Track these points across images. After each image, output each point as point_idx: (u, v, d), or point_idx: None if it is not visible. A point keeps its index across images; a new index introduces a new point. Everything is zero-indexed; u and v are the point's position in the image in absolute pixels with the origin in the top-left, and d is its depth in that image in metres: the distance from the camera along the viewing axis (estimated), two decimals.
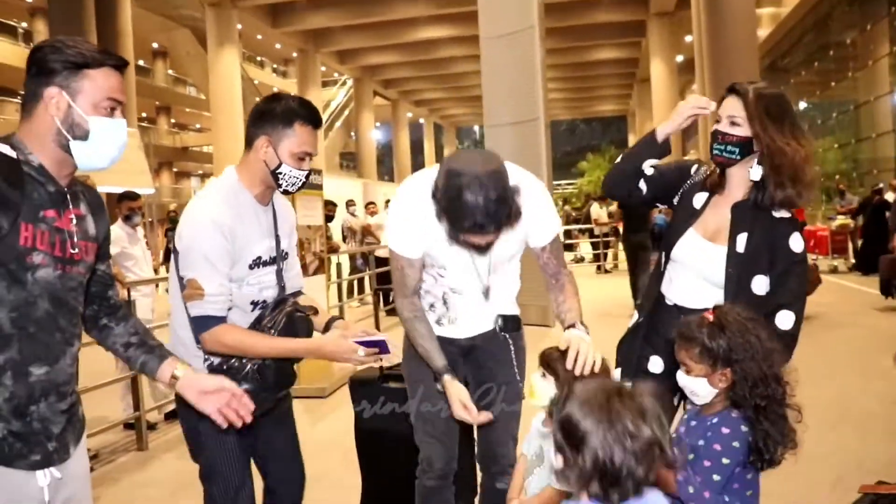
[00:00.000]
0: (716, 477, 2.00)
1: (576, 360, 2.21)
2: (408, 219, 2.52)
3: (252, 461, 2.67)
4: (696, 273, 2.47)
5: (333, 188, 15.02)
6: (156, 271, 8.36)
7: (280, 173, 2.48)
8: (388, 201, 14.24)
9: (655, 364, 2.60)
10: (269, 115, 2.47)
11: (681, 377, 2.14)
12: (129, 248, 5.86)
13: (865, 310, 9.93)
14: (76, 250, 1.87)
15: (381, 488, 3.56)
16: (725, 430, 2.02)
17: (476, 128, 64.97)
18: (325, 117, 36.57)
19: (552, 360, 2.30)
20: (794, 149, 2.35)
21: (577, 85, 41.20)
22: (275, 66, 45.45)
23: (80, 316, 1.98)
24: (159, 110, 42.72)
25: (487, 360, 2.78)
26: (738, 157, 2.40)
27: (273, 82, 44.87)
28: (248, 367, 2.47)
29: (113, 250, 5.46)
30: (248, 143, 2.51)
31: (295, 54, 34.52)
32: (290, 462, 2.77)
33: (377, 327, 8.48)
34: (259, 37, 34.14)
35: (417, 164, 48.40)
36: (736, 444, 2.01)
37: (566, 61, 33.77)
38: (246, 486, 2.58)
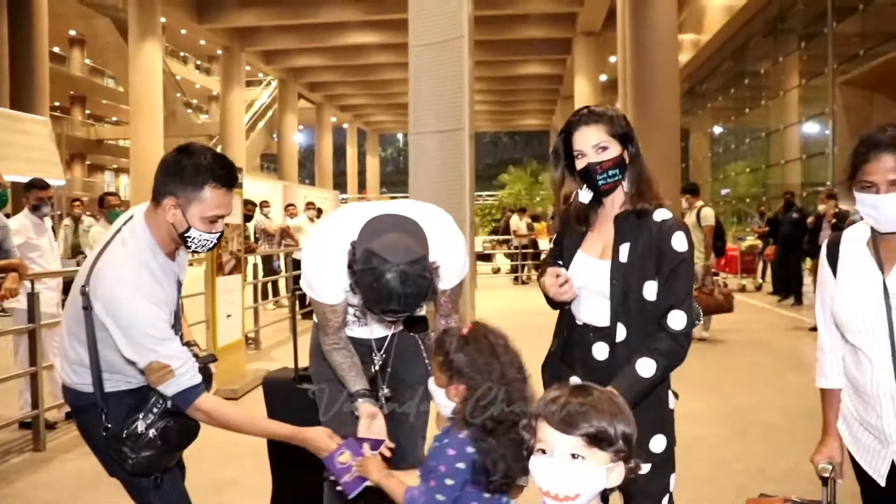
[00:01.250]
0: (440, 497, 1.98)
1: None
2: (326, 269, 2.49)
3: None
4: (596, 292, 2.41)
5: (254, 189, 14.79)
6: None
7: (189, 237, 2.36)
8: (308, 204, 14.03)
9: (576, 382, 2.57)
10: (179, 172, 2.30)
11: (430, 384, 2.17)
12: (35, 238, 5.61)
13: (775, 329, 10.35)
14: None
15: (292, 492, 3.49)
16: (451, 452, 2.00)
17: (399, 135, 65.01)
18: (247, 117, 36.18)
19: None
20: (643, 160, 2.42)
21: (502, 98, 41.69)
22: (198, 62, 44.58)
23: None
24: (74, 100, 41.20)
25: (400, 360, 2.81)
26: (621, 177, 2.37)
27: (196, 79, 44.04)
28: (150, 433, 2.35)
29: (17, 241, 5.24)
30: (156, 197, 2.35)
31: (220, 52, 33.86)
32: None
33: (294, 331, 8.33)
34: (183, 31, 33.47)
35: (339, 169, 48.18)
36: (461, 465, 1.98)
37: (493, 74, 34.15)
38: None
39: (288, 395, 3.36)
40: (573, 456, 1.45)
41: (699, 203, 9.66)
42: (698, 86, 29.36)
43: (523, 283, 17.76)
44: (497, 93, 39.80)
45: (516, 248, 18.40)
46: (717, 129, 29.21)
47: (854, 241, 2.26)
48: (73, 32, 35.54)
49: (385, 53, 30.73)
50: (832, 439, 2.33)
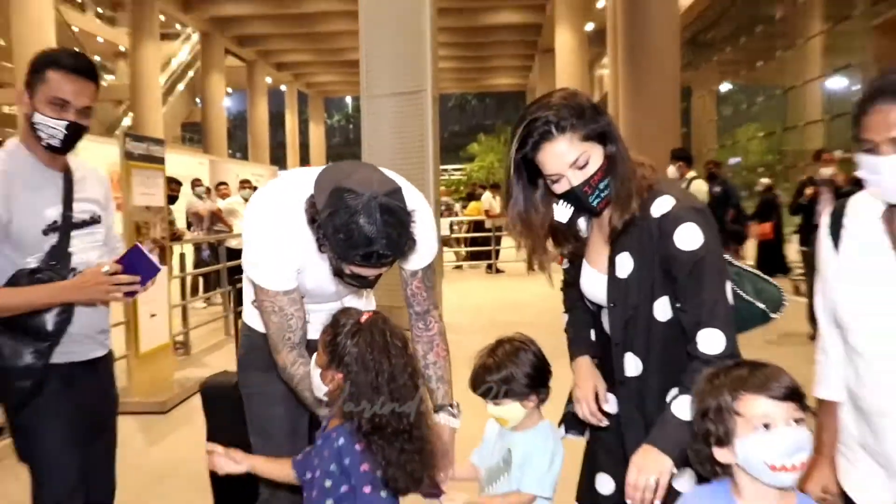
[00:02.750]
0: (327, 483, 2.17)
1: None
2: (278, 244, 2.44)
3: None
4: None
5: (175, 165, 14.77)
6: None
7: (35, 124, 2.70)
8: (242, 182, 14.06)
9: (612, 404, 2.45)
10: (31, 65, 2.73)
11: (311, 359, 2.32)
12: None
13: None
14: None
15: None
16: (334, 447, 2.18)
17: (348, 99, 64.93)
18: (163, 78, 35.80)
19: (494, 386, 2.47)
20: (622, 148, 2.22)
21: (469, 53, 41.68)
22: (99, 10, 43.99)
23: None
24: None
25: None
26: (612, 188, 2.20)
27: (97, 30, 43.41)
28: None
29: None
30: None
31: None
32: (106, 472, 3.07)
33: (234, 333, 8.48)
34: None
35: (277, 140, 47.93)
36: (347, 460, 2.14)
37: (459, 24, 34.17)
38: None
39: (234, 404, 3.48)
40: (796, 421, 1.71)
41: (691, 174, 9.84)
42: (701, 34, 29.65)
43: (498, 271, 17.91)
44: (464, 46, 39.83)
45: (488, 230, 18.48)
46: (725, 87, 29.53)
47: (863, 212, 2.06)
48: None
49: (329, 1, 30.67)
50: (826, 463, 2.20)
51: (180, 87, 39.44)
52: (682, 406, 2.03)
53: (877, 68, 16.30)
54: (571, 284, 2.51)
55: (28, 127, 2.73)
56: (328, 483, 2.16)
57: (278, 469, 2.30)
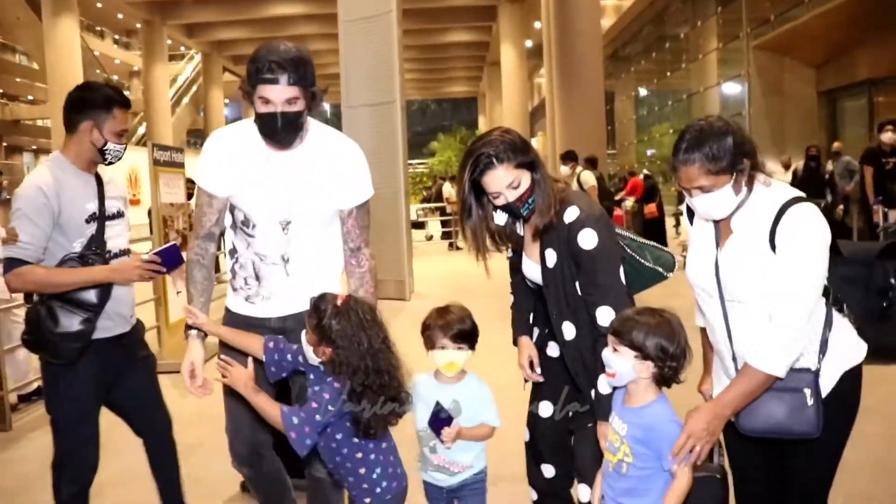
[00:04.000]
0: (318, 417, 2.27)
1: None
2: (218, 152, 2.64)
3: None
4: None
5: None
6: None
7: (106, 150, 2.91)
8: None
9: (553, 349, 2.73)
10: (91, 102, 2.89)
11: (302, 336, 2.38)
12: None
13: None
14: None
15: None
16: (325, 396, 2.28)
17: (327, 106, 64.31)
18: (171, 93, 35.40)
19: (465, 332, 2.53)
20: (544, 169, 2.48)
21: (429, 66, 41.80)
22: (116, 36, 43.34)
23: None
24: None
25: None
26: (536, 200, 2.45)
27: (115, 54, 42.79)
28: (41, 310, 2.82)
29: None
30: (71, 128, 2.90)
31: (139, 25, 33.10)
32: (155, 409, 3.23)
33: None
34: (99, 5, 32.51)
35: None
36: (331, 408, 2.27)
37: (419, 42, 34.21)
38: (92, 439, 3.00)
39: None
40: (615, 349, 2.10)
41: (578, 168, 10.39)
42: (621, 49, 29.99)
43: (457, 248, 18.20)
44: (424, 61, 39.90)
45: (449, 214, 18.70)
46: (642, 92, 29.91)
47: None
48: None
49: (309, 24, 30.53)
50: (710, 373, 2.44)
51: (186, 100, 38.99)
52: (601, 383, 2.31)
53: (758, 77, 16.77)
54: (515, 270, 2.75)
55: (96, 152, 2.92)
56: (318, 417, 2.28)
57: (271, 410, 2.31)
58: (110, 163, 2.98)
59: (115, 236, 3.04)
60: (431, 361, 2.59)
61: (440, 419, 2.48)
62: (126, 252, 3.09)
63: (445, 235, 19.37)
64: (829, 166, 12.54)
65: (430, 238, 20.76)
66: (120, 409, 3.15)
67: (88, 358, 2.88)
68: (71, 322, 2.81)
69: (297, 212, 2.59)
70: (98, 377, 2.95)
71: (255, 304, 2.69)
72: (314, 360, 2.34)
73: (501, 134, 2.44)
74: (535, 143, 33.06)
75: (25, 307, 2.93)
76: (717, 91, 20.81)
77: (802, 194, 2.14)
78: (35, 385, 5.90)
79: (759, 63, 16.64)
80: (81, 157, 2.93)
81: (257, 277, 2.66)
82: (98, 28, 40.62)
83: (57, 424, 2.94)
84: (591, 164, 11.21)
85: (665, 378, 2.09)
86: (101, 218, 2.96)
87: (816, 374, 2.12)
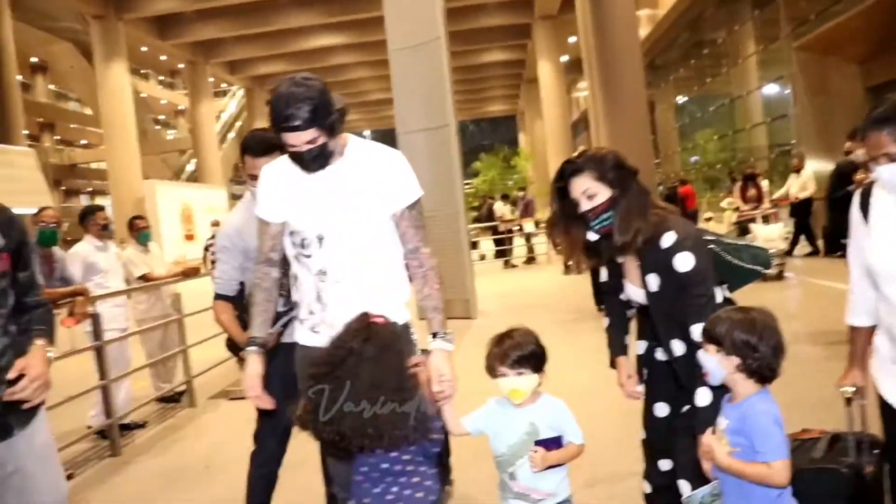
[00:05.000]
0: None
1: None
2: (267, 182, 2.72)
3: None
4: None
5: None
6: None
7: (254, 189, 3.12)
8: None
9: (661, 354, 2.83)
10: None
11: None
12: (99, 262, 6.04)
13: None
14: None
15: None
16: None
17: (367, 132, 65.11)
18: (216, 128, 36.27)
19: (524, 357, 2.45)
20: (633, 192, 2.57)
21: (468, 87, 42.17)
22: (161, 77, 44.56)
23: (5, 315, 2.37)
24: (43, 127, 41.22)
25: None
26: (616, 218, 2.56)
27: (160, 94, 43.97)
28: None
29: (78, 267, 5.79)
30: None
31: (182, 65, 34.06)
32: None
33: None
34: (144, 48, 33.56)
35: None
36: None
37: (457, 64, 34.34)
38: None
39: None
40: None
41: None
42: (658, 58, 29.97)
43: (513, 266, 18.36)
44: (462, 82, 40.23)
45: (501, 233, 18.87)
46: (682, 99, 29.83)
47: (881, 194, 2.33)
48: (34, 59, 35.56)
49: (348, 54, 31.14)
50: (856, 368, 2.48)
51: (231, 135, 39.87)
52: (701, 396, 2.39)
53: (801, 77, 16.69)
54: (609, 293, 2.89)
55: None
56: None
57: None
58: None
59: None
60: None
61: (546, 441, 2.45)
62: None
63: (499, 254, 19.53)
64: None
65: (482, 258, 20.92)
66: None
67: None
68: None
69: (344, 224, 2.59)
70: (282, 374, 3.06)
71: (320, 334, 2.60)
72: None
73: (597, 149, 2.64)
74: None
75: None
76: (759, 94, 20.73)
77: None
78: (129, 417, 6.23)
79: (802, 62, 16.55)
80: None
81: (319, 300, 2.65)
82: (143, 70, 41.86)
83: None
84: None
85: (755, 372, 2.15)
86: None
87: None
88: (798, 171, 13.50)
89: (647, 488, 2.98)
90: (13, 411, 2.30)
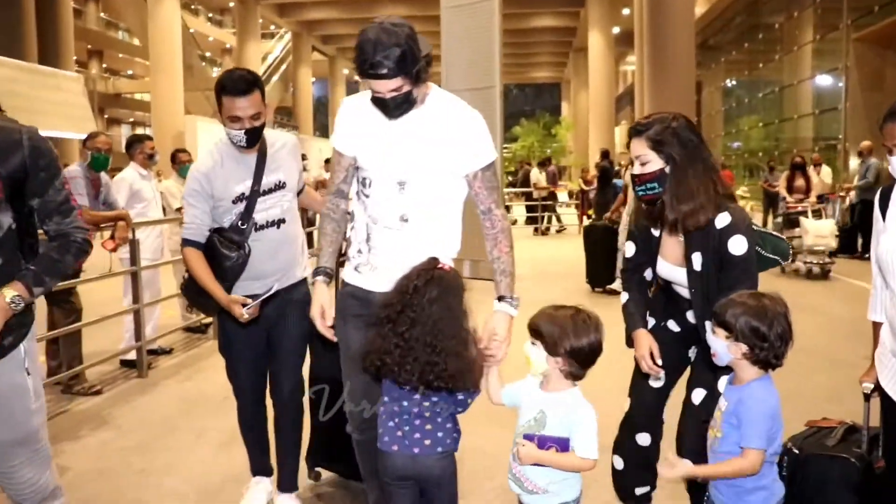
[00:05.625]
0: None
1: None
2: (345, 115, 2.70)
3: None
4: (683, 289, 2.76)
5: None
6: None
7: (228, 133, 3.07)
8: (327, 160, 14.36)
9: (674, 325, 2.92)
10: (216, 91, 3.06)
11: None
12: (142, 190, 6.17)
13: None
14: None
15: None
16: None
17: None
18: (261, 70, 36.32)
19: (539, 327, 2.29)
20: (696, 170, 2.57)
21: (514, 51, 41.68)
22: (210, 14, 44.61)
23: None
24: (91, 54, 41.53)
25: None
26: (660, 190, 2.60)
27: (209, 31, 44.07)
28: None
29: (123, 193, 5.93)
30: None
31: (232, 3, 34.01)
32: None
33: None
34: None
35: None
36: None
37: (506, 27, 33.84)
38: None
39: None
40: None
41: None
42: (711, 38, 29.46)
43: (543, 233, 18.35)
44: (509, 45, 39.66)
45: (536, 199, 18.86)
46: (730, 83, 29.35)
47: None
48: None
49: (398, 6, 30.86)
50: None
51: (275, 78, 39.88)
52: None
53: (857, 71, 16.32)
54: (633, 270, 2.92)
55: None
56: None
57: None
58: (240, 146, 3.08)
59: (268, 208, 3.17)
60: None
61: (545, 438, 2.27)
62: (277, 223, 3.20)
63: (530, 220, 19.50)
64: None
65: (514, 223, 20.92)
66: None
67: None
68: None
69: (412, 171, 2.55)
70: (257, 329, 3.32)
71: (362, 274, 2.66)
72: None
73: (664, 117, 2.65)
74: (619, 131, 32.83)
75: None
76: (810, 84, 20.32)
77: None
78: (157, 343, 6.40)
79: (859, 55, 16.16)
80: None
81: (368, 241, 2.64)
82: (193, 6, 41.90)
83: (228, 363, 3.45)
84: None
85: (761, 360, 2.18)
86: (251, 196, 3.14)
87: None
88: (862, 155, 12.58)
89: (619, 464, 3.01)
90: None
